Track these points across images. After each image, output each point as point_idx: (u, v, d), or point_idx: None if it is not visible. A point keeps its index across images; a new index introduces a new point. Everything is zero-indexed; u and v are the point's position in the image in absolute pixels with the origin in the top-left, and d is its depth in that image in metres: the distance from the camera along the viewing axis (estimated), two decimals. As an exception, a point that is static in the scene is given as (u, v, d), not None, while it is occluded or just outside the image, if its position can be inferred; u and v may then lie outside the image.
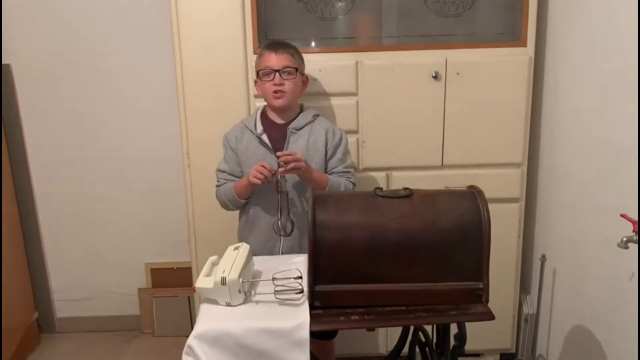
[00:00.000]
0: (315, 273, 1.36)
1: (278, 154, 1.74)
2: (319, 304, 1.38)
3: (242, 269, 1.41)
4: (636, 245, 1.44)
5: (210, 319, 1.35)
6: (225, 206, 1.92)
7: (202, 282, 1.44)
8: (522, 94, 2.10)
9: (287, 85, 1.81)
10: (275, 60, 1.80)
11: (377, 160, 2.16)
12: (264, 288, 1.46)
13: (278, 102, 1.83)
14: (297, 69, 1.83)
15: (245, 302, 1.42)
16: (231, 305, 1.40)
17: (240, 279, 1.38)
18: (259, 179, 1.72)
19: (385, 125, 2.12)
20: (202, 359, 1.29)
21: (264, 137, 1.86)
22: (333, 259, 1.36)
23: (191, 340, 1.30)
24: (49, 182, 2.67)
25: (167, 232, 2.70)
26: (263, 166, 1.72)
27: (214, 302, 1.42)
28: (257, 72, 1.85)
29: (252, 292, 1.46)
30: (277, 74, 1.80)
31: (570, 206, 2.00)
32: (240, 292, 1.39)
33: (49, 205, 2.70)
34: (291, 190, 1.84)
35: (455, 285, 1.39)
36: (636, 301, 1.56)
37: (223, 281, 1.37)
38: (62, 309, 2.83)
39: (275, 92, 1.81)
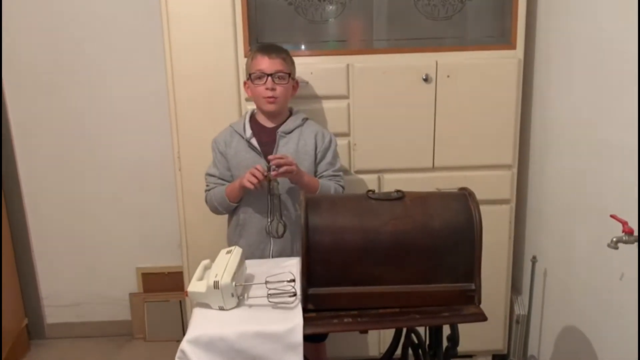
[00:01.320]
0: (308, 276, 1.36)
1: (269, 157, 1.73)
2: (312, 306, 1.38)
3: (234, 273, 1.40)
4: (626, 246, 1.45)
5: (203, 323, 1.35)
6: (215, 210, 1.92)
7: (195, 286, 1.43)
8: (512, 96, 2.11)
9: (279, 90, 1.82)
10: (268, 64, 1.80)
11: (369, 162, 2.16)
12: (257, 291, 1.46)
13: (270, 107, 1.84)
14: (289, 75, 1.84)
15: (238, 305, 1.41)
16: (224, 309, 1.39)
17: (233, 283, 1.38)
18: (252, 183, 1.71)
19: (377, 128, 2.12)
20: (195, 364, 1.28)
21: (253, 141, 1.86)
22: (326, 261, 1.36)
23: (184, 345, 1.29)
24: (39, 187, 2.65)
25: (158, 237, 2.69)
26: (257, 169, 1.71)
27: (206, 306, 1.41)
28: (249, 75, 1.84)
29: (245, 296, 1.46)
30: (269, 78, 1.80)
31: (560, 207, 2.01)
32: (233, 296, 1.39)
33: (39, 210, 2.68)
34: (282, 193, 1.84)
35: (448, 286, 1.40)
36: (626, 301, 1.57)
37: (216, 285, 1.37)
38: (52, 314, 2.80)
39: (268, 97, 1.81)
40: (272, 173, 1.72)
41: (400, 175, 2.16)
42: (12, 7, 2.44)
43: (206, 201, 1.92)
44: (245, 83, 1.90)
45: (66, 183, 2.65)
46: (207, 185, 1.92)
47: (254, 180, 1.70)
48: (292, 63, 1.87)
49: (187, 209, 2.17)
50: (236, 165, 1.86)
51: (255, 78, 1.81)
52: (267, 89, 1.80)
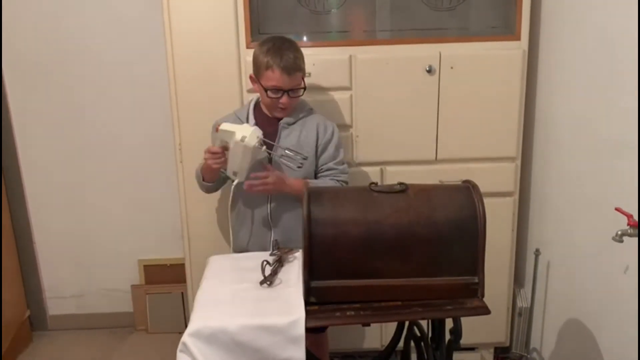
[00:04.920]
0: (311, 269, 1.36)
1: (246, 183, 1.74)
2: (315, 299, 1.37)
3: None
4: (630, 239, 1.44)
5: (205, 316, 1.35)
6: (199, 187, 1.95)
7: (228, 126, 1.71)
8: (516, 88, 2.09)
9: (293, 101, 1.81)
10: (287, 81, 1.74)
11: (371, 155, 2.15)
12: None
13: (281, 114, 1.83)
14: (304, 88, 1.81)
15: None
16: (243, 142, 1.64)
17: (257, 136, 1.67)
18: (217, 165, 1.76)
19: (380, 120, 2.11)
20: (196, 357, 1.28)
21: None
22: (328, 254, 1.35)
23: (186, 338, 1.29)
24: (40, 179, 2.64)
25: (160, 229, 2.69)
26: (210, 152, 1.75)
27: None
28: (263, 86, 1.78)
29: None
30: (286, 93, 1.76)
31: (564, 200, 2.00)
32: (258, 137, 1.66)
33: (40, 202, 2.68)
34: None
35: (451, 279, 1.40)
36: (630, 294, 1.57)
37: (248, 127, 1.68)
38: (54, 306, 2.81)
39: (281, 107, 1.80)
40: (245, 187, 1.75)
41: (403, 167, 2.15)
42: (14, 3, 2.42)
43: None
44: (251, 77, 1.85)
45: (68, 175, 2.64)
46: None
47: (216, 162, 1.75)
48: (304, 62, 1.82)
49: (189, 201, 2.16)
50: None
51: (271, 92, 1.76)
52: (282, 101, 1.78)
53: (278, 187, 1.77)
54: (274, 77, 1.73)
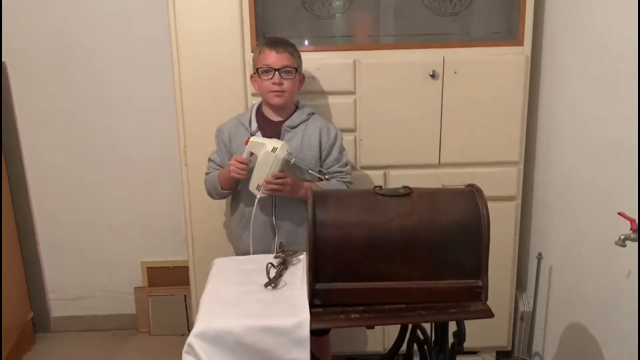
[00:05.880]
0: (315, 271, 1.36)
1: (266, 179, 1.75)
2: (319, 302, 1.38)
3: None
4: (633, 243, 1.45)
5: (210, 317, 1.35)
6: (210, 194, 1.95)
7: (258, 139, 1.78)
8: (519, 93, 2.10)
9: (286, 85, 1.82)
10: (275, 58, 1.80)
11: (375, 158, 2.16)
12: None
13: (276, 101, 1.84)
14: (296, 69, 1.84)
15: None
16: (274, 153, 1.70)
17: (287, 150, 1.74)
18: (240, 174, 1.77)
19: (383, 124, 2.12)
20: (202, 358, 1.29)
21: (258, 135, 1.87)
22: (333, 257, 1.36)
23: (191, 339, 1.30)
24: (44, 181, 2.65)
25: (163, 231, 2.69)
26: (237, 160, 1.77)
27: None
28: (256, 69, 1.84)
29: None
30: (276, 73, 1.80)
31: (566, 204, 2.01)
32: (288, 151, 1.72)
33: (44, 203, 2.68)
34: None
35: (454, 283, 1.40)
36: (632, 299, 1.57)
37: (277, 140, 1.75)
38: (58, 308, 2.81)
39: (274, 91, 1.81)
40: (259, 192, 1.78)
41: (406, 171, 2.16)
42: (20, 2, 2.44)
43: (204, 184, 1.97)
44: (252, 77, 1.90)
45: (72, 177, 2.65)
46: (207, 169, 1.97)
47: (240, 173, 1.77)
48: (299, 57, 1.87)
49: (193, 204, 2.17)
50: None
51: (263, 72, 1.81)
52: (274, 83, 1.80)
53: (292, 191, 1.80)
54: (263, 57, 1.81)
